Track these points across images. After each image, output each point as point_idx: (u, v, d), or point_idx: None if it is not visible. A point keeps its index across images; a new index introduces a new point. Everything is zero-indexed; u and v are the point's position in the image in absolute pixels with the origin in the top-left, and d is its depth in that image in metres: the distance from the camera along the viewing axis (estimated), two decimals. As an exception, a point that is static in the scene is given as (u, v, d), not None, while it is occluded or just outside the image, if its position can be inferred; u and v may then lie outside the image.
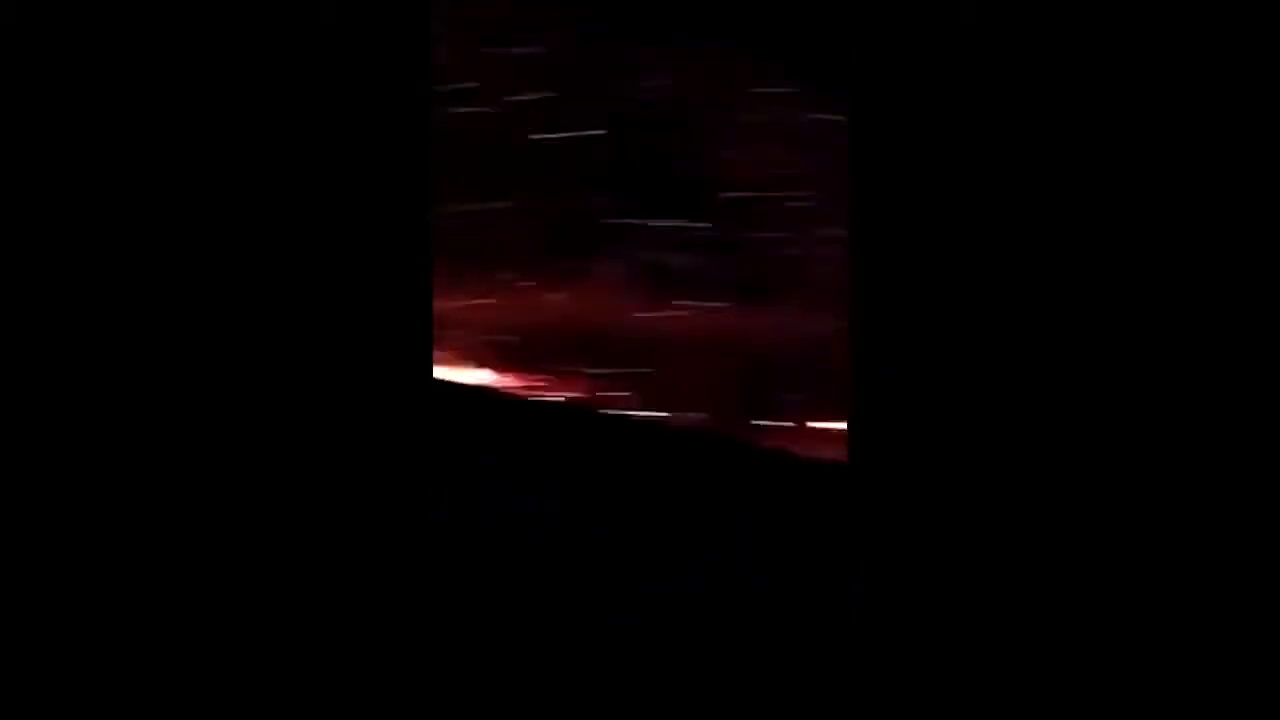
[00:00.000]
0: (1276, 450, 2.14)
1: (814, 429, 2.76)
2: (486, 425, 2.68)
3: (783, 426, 2.79)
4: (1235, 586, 2.16)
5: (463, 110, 2.81)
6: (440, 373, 2.68)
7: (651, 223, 2.88)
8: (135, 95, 2.18)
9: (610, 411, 2.77)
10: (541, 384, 2.81)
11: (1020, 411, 2.20)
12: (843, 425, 2.63)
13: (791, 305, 2.81)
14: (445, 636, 2.43)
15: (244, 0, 2.19)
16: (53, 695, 2.16)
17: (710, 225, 2.87)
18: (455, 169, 2.77)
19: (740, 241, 2.85)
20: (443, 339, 2.74)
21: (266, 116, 2.20)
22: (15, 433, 2.15)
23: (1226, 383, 2.16)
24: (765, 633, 2.53)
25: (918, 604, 2.22)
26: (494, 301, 2.80)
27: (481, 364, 2.80)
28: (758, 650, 2.51)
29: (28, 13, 2.15)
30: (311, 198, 2.22)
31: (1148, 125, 2.17)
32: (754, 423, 2.80)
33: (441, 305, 2.62)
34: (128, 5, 2.18)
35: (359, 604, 2.22)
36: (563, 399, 2.80)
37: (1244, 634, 2.15)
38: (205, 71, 2.19)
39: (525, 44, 2.85)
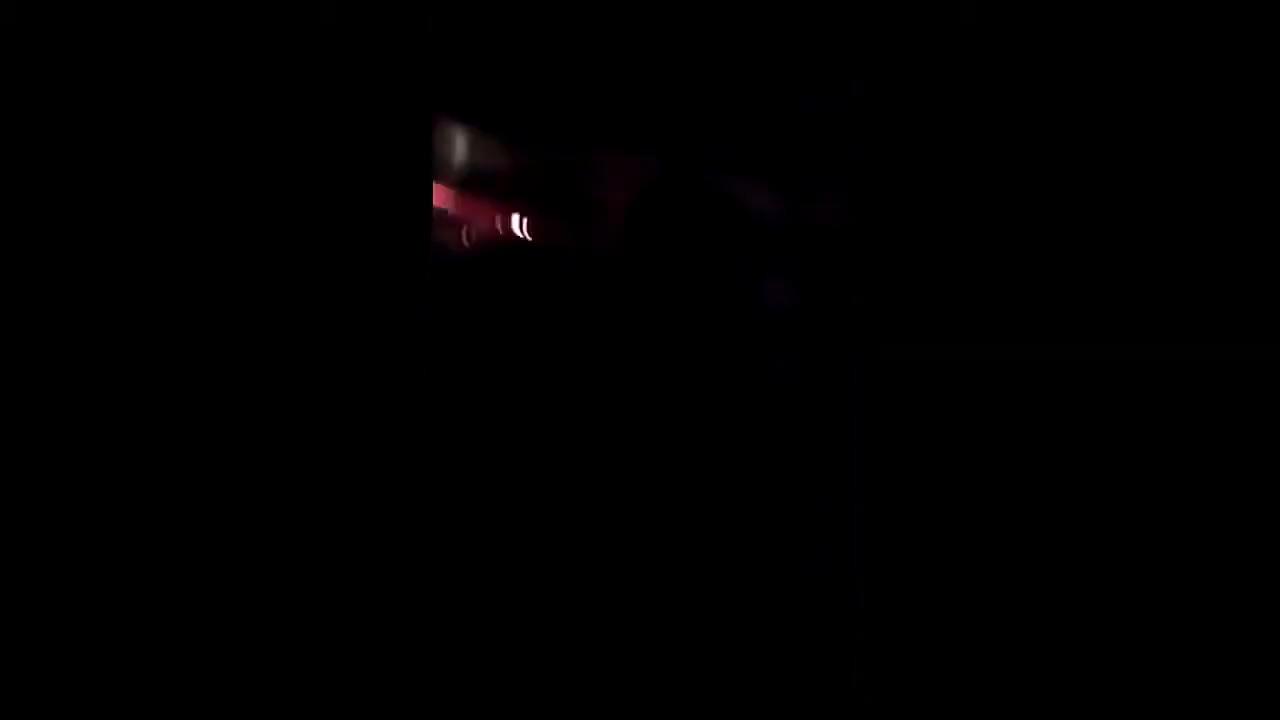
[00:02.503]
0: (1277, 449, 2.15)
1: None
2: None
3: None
4: (1238, 581, 2.16)
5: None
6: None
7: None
8: (135, 95, 2.18)
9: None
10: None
11: (1028, 402, 2.20)
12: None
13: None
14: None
15: (245, 0, 2.20)
16: (49, 689, 2.16)
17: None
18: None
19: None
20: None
21: (266, 115, 2.21)
22: (4, 423, 2.15)
23: (1229, 376, 2.16)
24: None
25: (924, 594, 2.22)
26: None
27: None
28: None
29: (28, 13, 2.15)
30: (311, 195, 2.22)
31: (1148, 128, 2.18)
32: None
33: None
34: (128, 5, 2.18)
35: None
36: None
37: (1247, 638, 2.15)
38: (205, 71, 2.20)
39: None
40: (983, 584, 2.21)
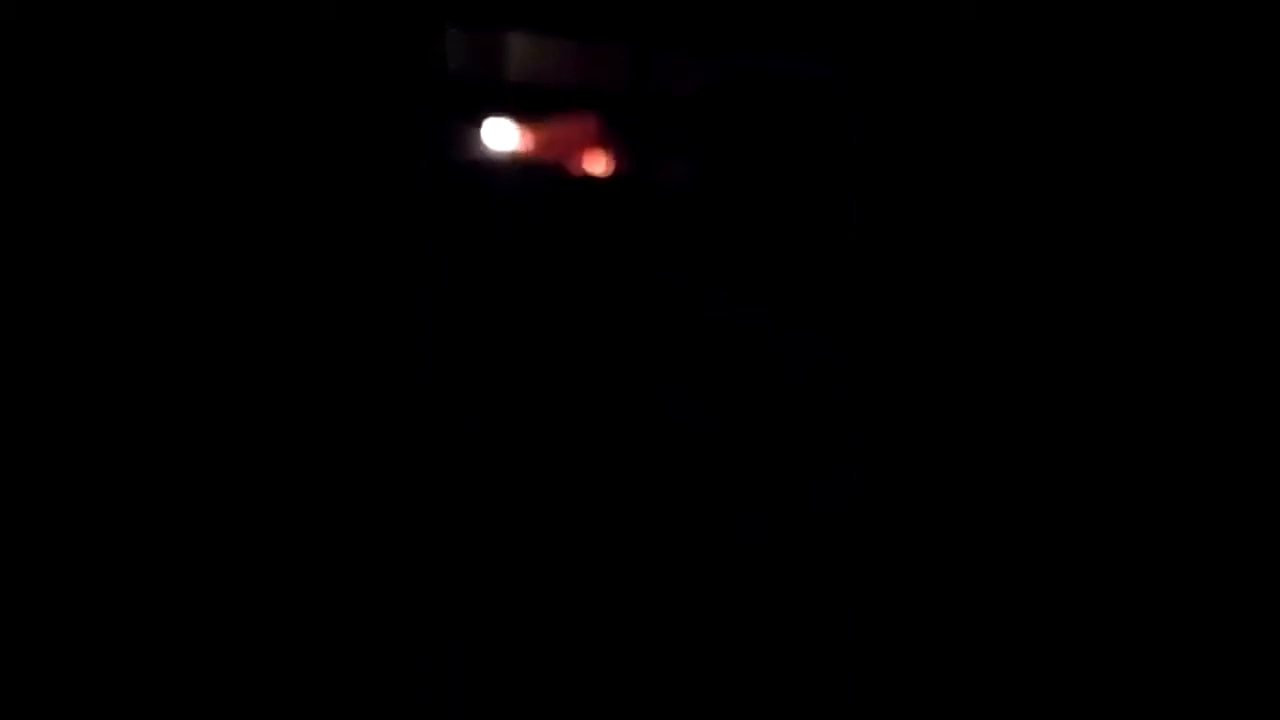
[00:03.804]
0: (1276, 451, 2.15)
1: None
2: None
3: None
4: (1236, 587, 2.16)
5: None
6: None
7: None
8: (135, 95, 2.18)
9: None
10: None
11: (1020, 411, 2.20)
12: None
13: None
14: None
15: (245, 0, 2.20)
16: (52, 689, 2.17)
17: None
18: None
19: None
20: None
21: (266, 115, 2.21)
22: (10, 426, 2.15)
23: (1226, 380, 2.16)
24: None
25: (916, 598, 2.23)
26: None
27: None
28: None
29: (28, 13, 2.15)
30: (310, 193, 2.22)
31: (1147, 127, 2.18)
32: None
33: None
34: (128, 5, 2.18)
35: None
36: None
37: (1246, 638, 2.15)
38: (205, 71, 2.20)
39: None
40: (983, 583, 2.21)
